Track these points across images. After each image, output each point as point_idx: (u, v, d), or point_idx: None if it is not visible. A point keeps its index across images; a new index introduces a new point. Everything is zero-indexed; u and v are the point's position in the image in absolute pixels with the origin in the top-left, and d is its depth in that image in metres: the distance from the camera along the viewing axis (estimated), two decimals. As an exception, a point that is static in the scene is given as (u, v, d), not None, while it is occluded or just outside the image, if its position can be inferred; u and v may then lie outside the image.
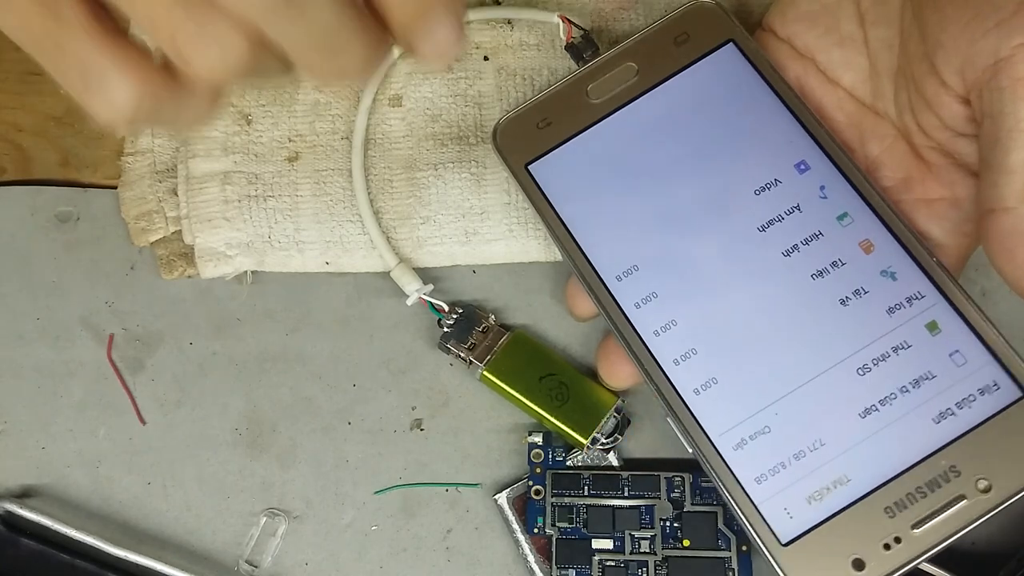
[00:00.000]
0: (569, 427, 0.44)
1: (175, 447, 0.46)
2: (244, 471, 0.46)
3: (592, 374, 0.46)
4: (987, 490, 0.38)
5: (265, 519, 0.45)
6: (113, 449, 0.46)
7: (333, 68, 0.33)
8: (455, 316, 0.46)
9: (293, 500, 0.46)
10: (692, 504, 0.44)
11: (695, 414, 0.41)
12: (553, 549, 0.43)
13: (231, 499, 0.46)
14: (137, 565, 0.44)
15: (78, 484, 0.46)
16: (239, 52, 0.30)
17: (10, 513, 0.44)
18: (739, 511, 0.39)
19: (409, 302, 0.47)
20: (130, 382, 0.47)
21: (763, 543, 0.39)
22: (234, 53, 0.30)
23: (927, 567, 0.41)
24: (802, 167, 0.43)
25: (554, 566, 0.43)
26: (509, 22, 0.49)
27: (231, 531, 0.45)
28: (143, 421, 0.47)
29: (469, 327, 0.46)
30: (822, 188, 0.43)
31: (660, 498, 0.44)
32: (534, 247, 0.47)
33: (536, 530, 0.44)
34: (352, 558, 0.45)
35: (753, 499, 0.39)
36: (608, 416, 0.44)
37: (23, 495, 0.46)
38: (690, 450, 0.41)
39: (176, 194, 0.48)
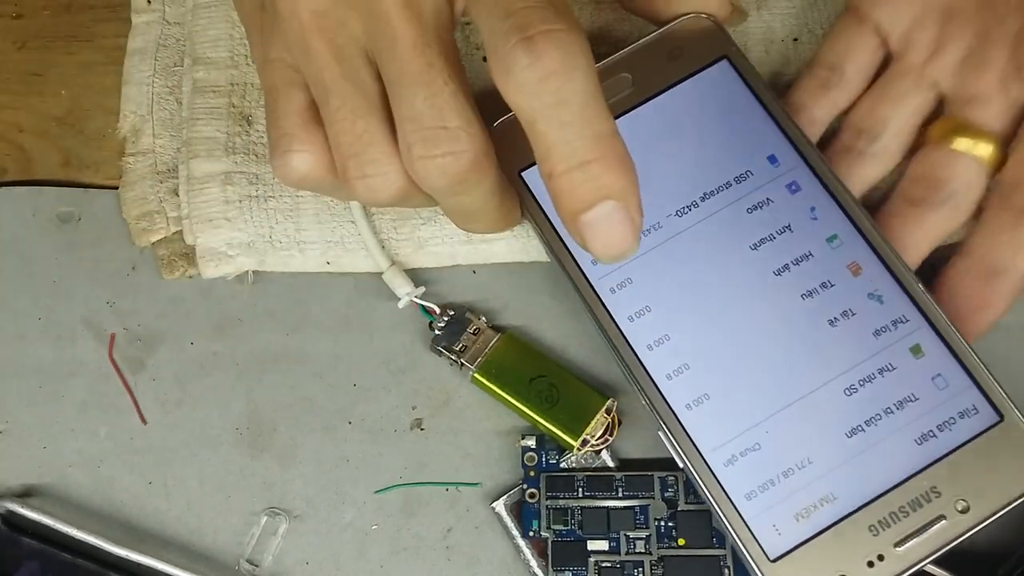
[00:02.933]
0: (559, 429, 0.44)
1: (176, 447, 0.46)
2: (245, 470, 0.46)
3: (584, 376, 0.46)
4: (965, 511, 0.39)
5: (266, 518, 0.45)
6: (114, 448, 0.46)
7: (468, 228, 0.44)
8: (446, 319, 0.46)
9: (294, 499, 0.46)
10: (686, 503, 0.44)
11: (687, 429, 0.41)
12: (549, 552, 0.43)
13: (232, 498, 0.46)
14: (138, 564, 0.44)
15: (79, 483, 0.46)
16: (389, 195, 0.40)
17: (11, 512, 0.45)
18: (729, 527, 0.40)
19: (400, 305, 0.47)
20: (131, 382, 0.47)
21: (752, 559, 0.39)
22: (384, 195, 0.40)
23: (927, 567, 0.41)
24: (793, 187, 0.43)
25: (550, 569, 0.43)
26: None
27: (232, 530, 0.46)
28: (144, 421, 0.47)
29: (460, 329, 0.46)
30: (812, 209, 0.43)
31: (654, 498, 0.44)
32: (535, 246, 0.47)
33: (532, 533, 0.44)
34: (352, 557, 0.45)
35: (743, 515, 0.40)
36: (598, 417, 0.44)
37: (24, 494, 0.46)
38: (681, 464, 0.41)
39: (177, 194, 0.49)
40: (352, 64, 0.38)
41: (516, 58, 0.33)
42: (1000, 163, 0.44)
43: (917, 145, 0.46)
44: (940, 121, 0.45)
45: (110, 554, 0.44)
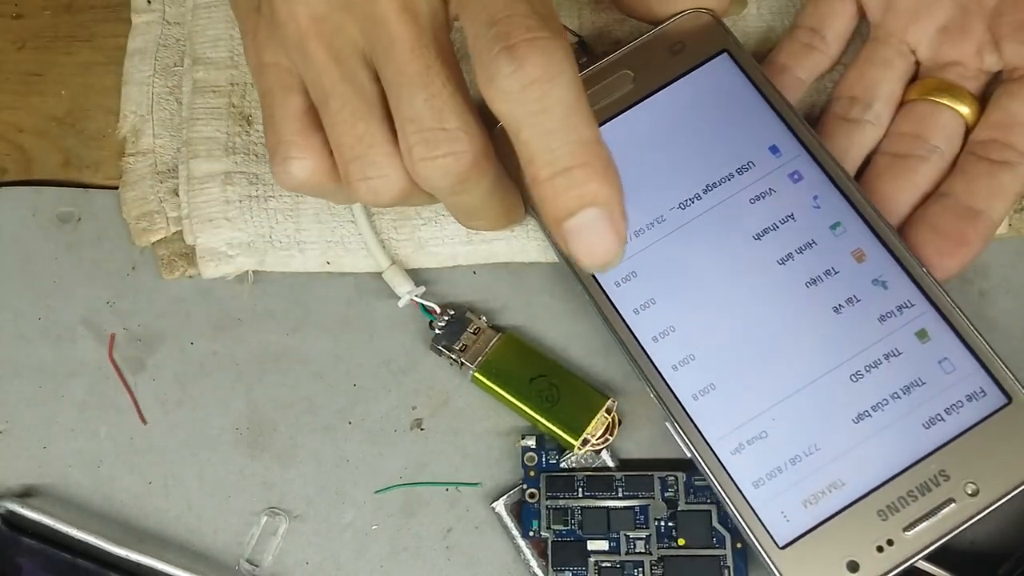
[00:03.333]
0: (560, 428, 0.44)
1: (176, 446, 0.46)
2: (245, 471, 0.46)
3: (584, 375, 0.46)
4: (975, 494, 0.39)
5: (266, 518, 0.45)
6: (114, 448, 0.46)
7: (472, 226, 0.44)
8: (446, 318, 0.46)
9: (294, 499, 0.46)
10: (686, 503, 0.44)
11: (694, 419, 0.41)
12: (549, 552, 0.43)
13: (232, 498, 0.46)
14: (138, 564, 0.44)
15: (79, 483, 0.46)
16: (391, 196, 0.39)
17: (12, 512, 0.44)
18: (737, 514, 0.40)
19: (400, 304, 0.47)
20: (131, 382, 0.47)
21: (761, 546, 0.39)
22: (386, 197, 0.39)
23: (927, 566, 0.41)
24: (795, 177, 0.44)
25: (550, 569, 0.43)
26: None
27: (232, 530, 0.45)
28: (144, 421, 0.47)
29: (460, 329, 0.46)
30: (815, 198, 0.44)
31: (654, 498, 0.44)
32: (535, 246, 0.47)
33: (532, 533, 0.44)
34: (352, 557, 0.45)
35: (751, 503, 0.40)
36: (598, 416, 0.44)
37: (25, 494, 0.46)
38: (688, 454, 0.41)
39: (177, 194, 0.49)
40: (351, 67, 0.38)
41: (499, 66, 0.33)
42: (974, 125, 0.46)
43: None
44: (920, 82, 0.47)
45: (110, 554, 0.44)
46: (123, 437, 0.47)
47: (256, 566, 0.45)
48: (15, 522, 0.45)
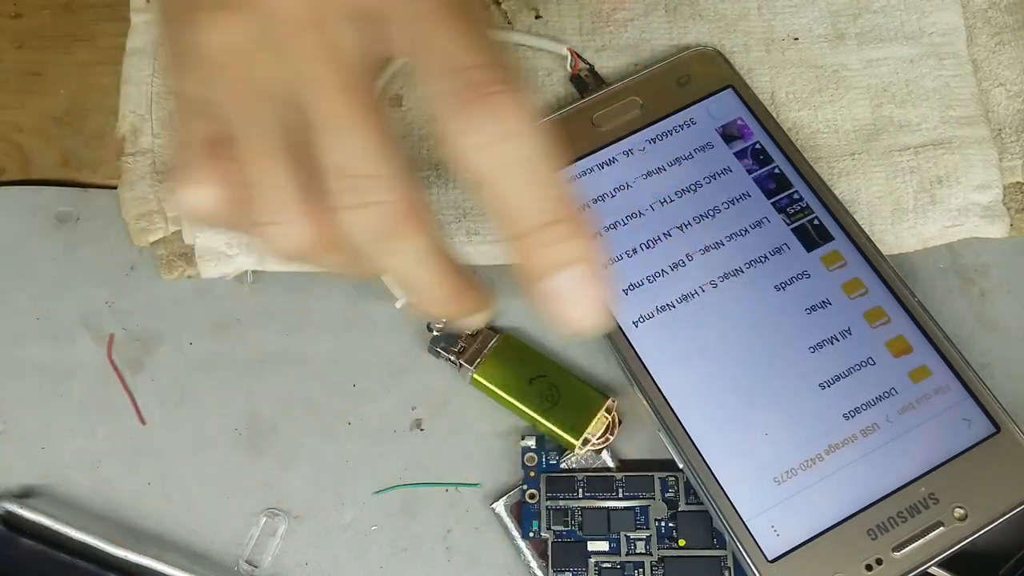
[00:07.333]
0: (560, 428, 0.44)
1: (175, 447, 0.46)
2: (244, 471, 0.46)
3: (584, 375, 0.46)
4: (963, 519, 0.40)
5: (265, 519, 0.45)
6: (113, 449, 0.46)
7: (415, 303, 0.37)
8: (444, 319, 0.46)
9: (293, 500, 0.46)
10: (687, 504, 0.44)
11: (688, 430, 0.42)
12: (549, 553, 0.43)
13: (231, 499, 0.46)
14: (137, 565, 0.44)
15: (78, 484, 0.46)
16: (296, 249, 0.34)
17: (10, 513, 0.44)
18: (728, 527, 0.40)
19: (398, 305, 0.47)
20: (130, 382, 0.47)
21: (750, 559, 0.40)
22: (289, 247, 0.34)
23: (927, 566, 0.42)
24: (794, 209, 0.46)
25: (551, 569, 0.43)
26: (510, 23, 0.49)
27: (231, 531, 0.45)
28: (143, 421, 0.47)
29: (459, 330, 0.46)
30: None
31: (655, 498, 0.44)
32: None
33: (532, 534, 0.44)
34: (352, 558, 0.45)
35: (742, 515, 0.40)
36: (599, 416, 0.44)
37: (23, 495, 0.46)
38: (681, 464, 0.42)
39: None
40: (263, 105, 0.34)
41: (473, 117, 0.31)
42: None
43: None
44: None
45: (109, 555, 0.44)
46: (122, 438, 0.46)
47: (255, 567, 0.45)
48: (14, 523, 0.44)
